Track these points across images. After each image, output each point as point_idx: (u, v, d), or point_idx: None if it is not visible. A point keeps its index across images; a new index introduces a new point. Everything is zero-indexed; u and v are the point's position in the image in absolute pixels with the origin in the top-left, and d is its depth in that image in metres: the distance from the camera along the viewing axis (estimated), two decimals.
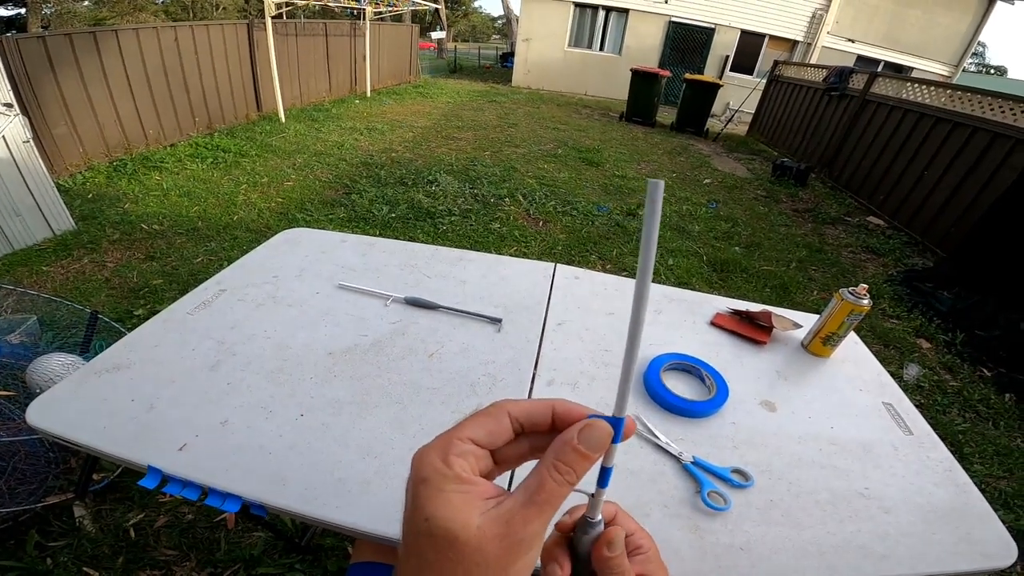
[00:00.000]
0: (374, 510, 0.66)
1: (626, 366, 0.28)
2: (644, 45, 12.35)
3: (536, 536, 0.27)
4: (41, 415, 0.76)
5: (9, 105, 3.01)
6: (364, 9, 8.49)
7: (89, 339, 1.91)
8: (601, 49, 12.88)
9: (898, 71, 11.12)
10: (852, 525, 0.69)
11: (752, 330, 1.06)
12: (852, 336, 1.08)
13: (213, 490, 0.67)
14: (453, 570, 0.26)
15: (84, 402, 0.79)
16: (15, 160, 3.10)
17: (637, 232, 4.06)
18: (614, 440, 0.29)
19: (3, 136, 3.00)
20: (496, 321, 1.02)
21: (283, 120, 6.72)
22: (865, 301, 0.99)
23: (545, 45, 12.84)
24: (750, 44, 12.03)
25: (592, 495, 0.32)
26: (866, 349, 1.10)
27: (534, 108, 9.73)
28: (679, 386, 0.90)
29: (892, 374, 1.04)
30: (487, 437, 0.29)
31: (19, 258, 3.07)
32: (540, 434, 0.31)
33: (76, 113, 4.52)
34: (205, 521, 1.62)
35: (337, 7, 8.55)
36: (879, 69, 7.21)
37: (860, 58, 11.49)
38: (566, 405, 0.30)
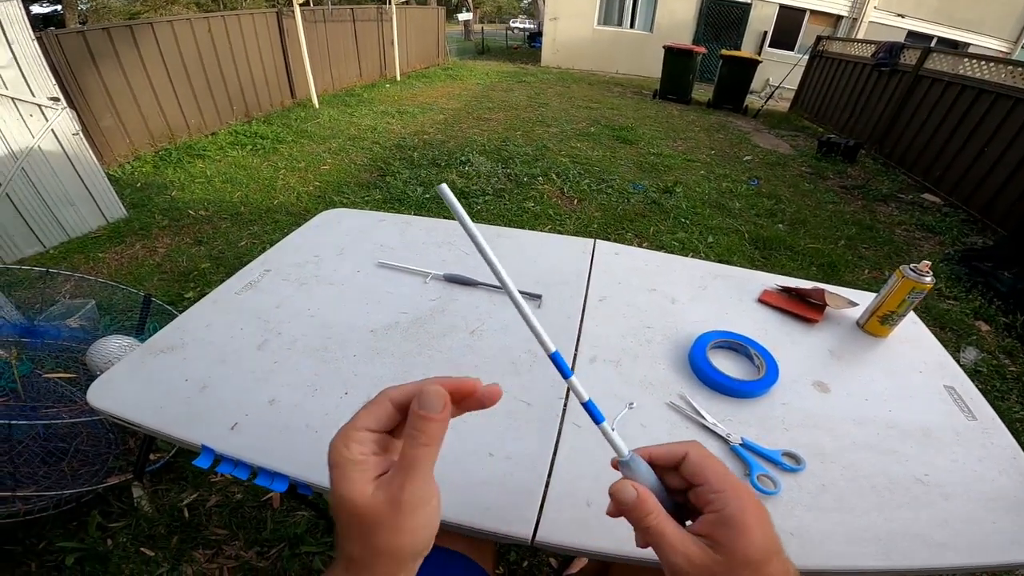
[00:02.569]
0: None
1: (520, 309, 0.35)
2: (676, 21, 11.90)
3: (417, 496, 0.33)
4: (101, 396, 0.77)
5: (55, 99, 3.12)
6: None
7: (144, 322, 1.99)
8: (632, 27, 12.49)
9: (953, 47, 10.39)
10: (909, 512, 0.66)
11: (803, 308, 1.01)
12: (911, 315, 1.03)
13: (263, 469, 0.68)
14: (361, 532, 0.33)
15: (141, 383, 0.80)
16: (66, 152, 3.24)
17: (675, 210, 3.97)
18: (565, 375, 0.37)
19: (52, 129, 3.13)
20: (536, 297, 1.01)
21: (317, 106, 6.81)
22: (928, 279, 0.94)
23: (573, 24, 12.53)
24: (790, 19, 11.42)
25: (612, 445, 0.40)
26: (926, 329, 1.04)
27: (564, 87, 9.55)
28: (726, 364, 0.87)
29: None
30: (376, 423, 0.35)
31: (75, 246, 3.23)
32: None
33: (120, 105, 4.68)
34: (252, 500, 1.66)
35: None
36: (932, 45, 6.80)
37: (911, 33, 10.78)
38: (432, 384, 0.34)
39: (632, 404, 0.40)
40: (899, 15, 10.89)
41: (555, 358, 0.36)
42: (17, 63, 2.92)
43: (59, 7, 14.73)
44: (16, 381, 1.62)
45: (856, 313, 1.03)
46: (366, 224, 1.31)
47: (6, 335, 1.85)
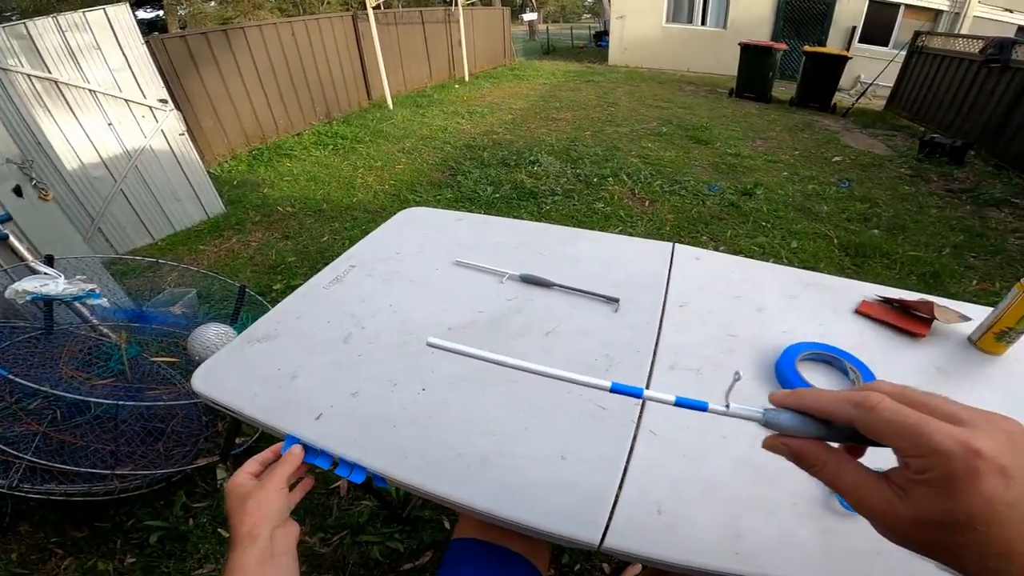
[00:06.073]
0: (488, 488, 0.66)
1: None
2: (752, 17, 11.23)
3: None
4: (204, 381, 0.83)
5: (164, 101, 3.43)
6: None
7: (238, 311, 2.15)
8: (703, 24, 11.95)
9: None
10: None
11: (907, 321, 0.93)
12: None
13: (343, 460, 0.70)
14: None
15: (239, 370, 0.86)
16: (173, 151, 3.56)
17: (754, 212, 3.77)
18: (637, 395, 0.39)
19: (162, 130, 3.45)
20: (613, 301, 0.99)
21: (391, 107, 7.09)
22: None
23: (641, 22, 12.19)
24: (882, 14, 10.43)
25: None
26: None
27: (634, 87, 9.33)
28: (818, 378, 0.81)
29: None
30: None
31: (180, 238, 3.56)
32: None
33: (219, 107, 5.06)
34: (322, 487, 1.73)
35: None
36: None
37: (1021, 28, 9.59)
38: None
39: (738, 374, 0.37)
40: (1007, 9, 9.71)
41: (617, 388, 0.37)
42: (130, 67, 3.21)
43: (161, 12, 15.86)
44: (124, 363, 1.77)
45: (967, 328, 0.94)
46: (444, 223, 1.35)
47: (118, 319, 2.04)
